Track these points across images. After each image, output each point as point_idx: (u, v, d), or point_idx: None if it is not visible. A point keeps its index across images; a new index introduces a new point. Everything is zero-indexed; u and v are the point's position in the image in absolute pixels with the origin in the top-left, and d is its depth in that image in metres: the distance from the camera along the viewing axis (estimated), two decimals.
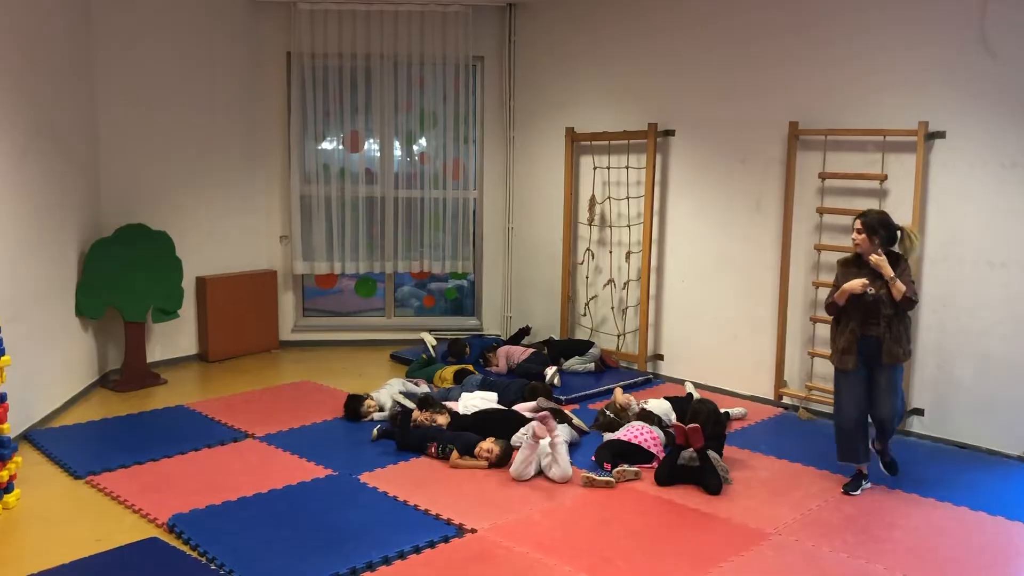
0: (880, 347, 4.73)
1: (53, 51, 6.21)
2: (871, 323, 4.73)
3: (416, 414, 5.70)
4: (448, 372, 6.86)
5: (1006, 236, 5.39)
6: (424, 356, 7.28)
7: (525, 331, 8.02)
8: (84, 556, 4.00)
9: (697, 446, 4.89)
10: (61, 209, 6.31)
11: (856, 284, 4.68)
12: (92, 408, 6.35)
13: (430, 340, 7.43)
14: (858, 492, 4.85)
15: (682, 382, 6.97)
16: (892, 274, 4.64)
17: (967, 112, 5.48)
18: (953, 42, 5.50)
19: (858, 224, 4.75)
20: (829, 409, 6.19)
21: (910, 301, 4.71)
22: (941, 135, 5.58)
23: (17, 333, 5.47)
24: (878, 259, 4.66)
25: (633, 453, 5.19)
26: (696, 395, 6.21)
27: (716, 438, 5.16)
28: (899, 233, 4.76)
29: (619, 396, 6.01)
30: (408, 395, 6.16)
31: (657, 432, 5.38)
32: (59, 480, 5.00)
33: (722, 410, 6.08)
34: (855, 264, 4.82)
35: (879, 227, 4.71)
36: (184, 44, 7.43)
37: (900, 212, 5.74)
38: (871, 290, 4.66)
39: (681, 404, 5.88)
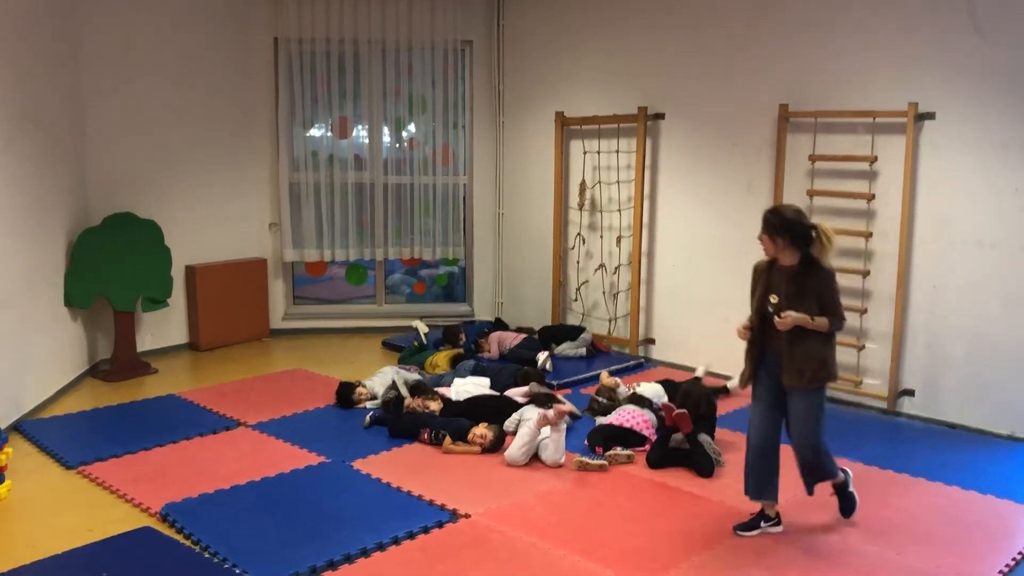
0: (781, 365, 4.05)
1: (39, 38, 6.14)
2: (773, 335, 4.04)
3: (408, 400, 5.70)
4: (441, 358, 6.85)
5: (996, 216, 5.41)
6: (416, 343, 7.27)
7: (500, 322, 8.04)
8: (76, 546, 3.98)
9: (686, 432, 4.91)
10: (48, 198, 6.26)
11: (737, 332, 4.17)
12: (83, 398, 6.32)
13: (422, 328, 7.42)
14: (751, 533, 4.16)
15: (674, 366, 7.02)
16: (810, 321, 3.92)
17: (956, 93, 5.49)
18: (942, 23, 5.50)
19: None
20: None
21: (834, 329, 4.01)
22: (931, 116, 5.58)
23: (5, 323, 5.45)
24: (783, 321, 3.91)
25: (625, 436, 5.20)
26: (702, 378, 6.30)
27: (708, 419, 5.18)
28: (813, 233, 3.96)
29: (605, 379, 6.05)
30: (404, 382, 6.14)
31: (649, 415, 5.39)
32: (51, 470, 4.98)
33: (722, 385, 6.20)
34: (767, 269, 4.13)
35: (783, 229, 3.96)
36: (171, 31, 7.37)
37: (891, 193, 5.77)
38: (773, 299, 4.01)
39: (673, 387, 5.89)
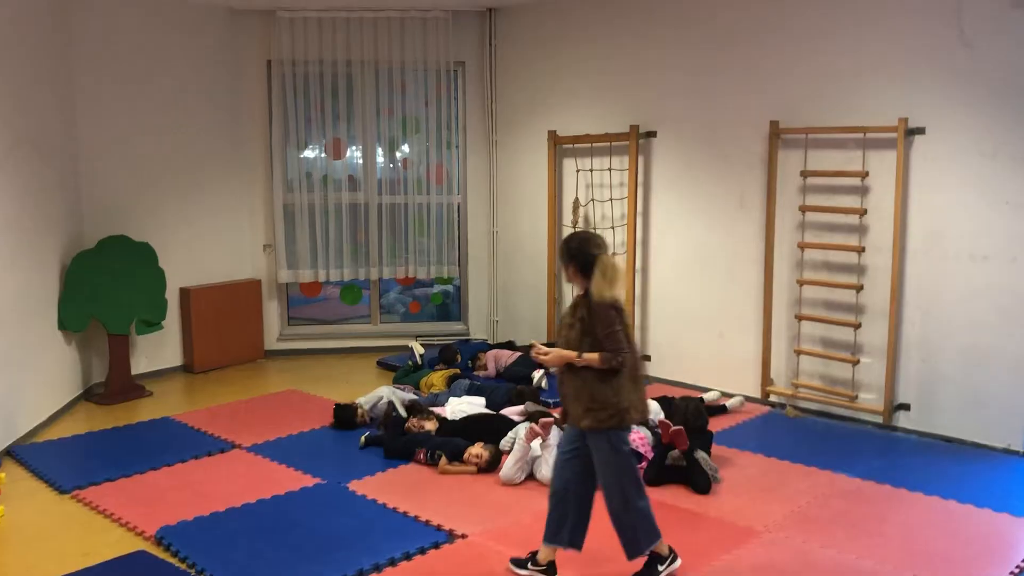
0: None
1: (32, 62, 6.16)
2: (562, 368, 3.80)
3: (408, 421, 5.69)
4: (436, 377, 6.83)
5: (988, 229, 5.43)
6: (411, 363, 7.25)
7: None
8: (71, 571, 3.96)
9: (682, 448, 4.91)
10: (42, 221, 6.26)
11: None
12: (77, 422, 6.29)
13: (418, 348, 7.40)
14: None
15: (669, 382, 7.02)
16: (574, 357, 3.69)
17: (946, 107, 5.52)
18: (930, 38, 5.54)
19: None
20: (817, 407, 6.24)
21: (611, 366, 3.65)
22: (921, 131, 5.62)
23: None
24: (545, 357, 3.77)
25: None
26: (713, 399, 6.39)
27: (699, 431, 5.19)
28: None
29: None
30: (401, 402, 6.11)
31: (645, 433, 5.38)
32: (44, 495, 4.95)
33: (721, 403, 6.22)
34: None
35: (568, 257, 3.80)
36: (164, 54, 7.40)
37: (882, 207, 5.80)
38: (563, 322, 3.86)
39: (669, 404, 5.88)
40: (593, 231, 3.87)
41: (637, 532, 3.78)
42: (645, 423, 3.90)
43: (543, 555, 3.89)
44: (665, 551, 3.87)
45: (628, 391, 3.71)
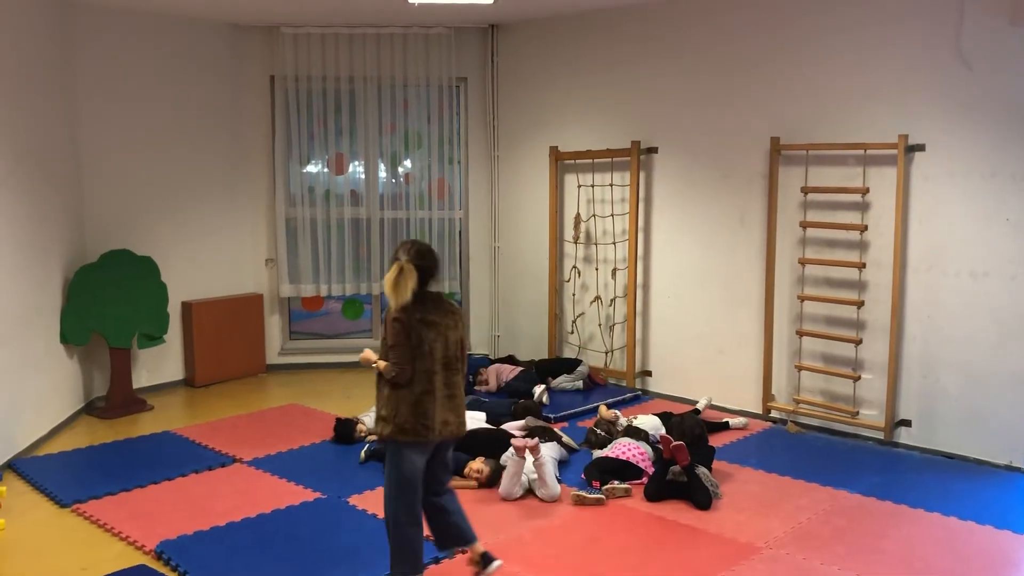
0: None
1: (35, 76, 6.20)
2: None
3: None
4: None
5: (987, 246, 5.44)
6: None
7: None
8: None
9: (683, 463, 4.90)
10: (45, 235, 6.28)
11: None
12: (78, 435, 6.29)
13: None
14: None
15: (671, 398, 7.01)
16: (372, 361, 3.75)
17: (946, 125, 5.54)
18: (930, 57, 5.57)
19: None
20: (818, 423, 6.23)
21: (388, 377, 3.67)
22: (921, 148, 5.64)
23: (1, 361, 5.43)
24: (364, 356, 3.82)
25: (622, 470, 5.18)
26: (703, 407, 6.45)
27: (697, 444, 5.18)
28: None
29: (604, 411, 6.04)
30: None
31: (645, 448, 5.39)
32: (44, 509, 4.95)
33: (724, 420, 6.22)
34: None
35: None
36: (167, 69, 7.44)
37: (883, 224, 5.81)
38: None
39: (670, 419, 5.89)
40: (425, 241, 3.85)
41: (395, 553, 3.77)
42: (426, 445, 3.74)
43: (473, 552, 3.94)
44: None
45: (406, 408, 3.64)
